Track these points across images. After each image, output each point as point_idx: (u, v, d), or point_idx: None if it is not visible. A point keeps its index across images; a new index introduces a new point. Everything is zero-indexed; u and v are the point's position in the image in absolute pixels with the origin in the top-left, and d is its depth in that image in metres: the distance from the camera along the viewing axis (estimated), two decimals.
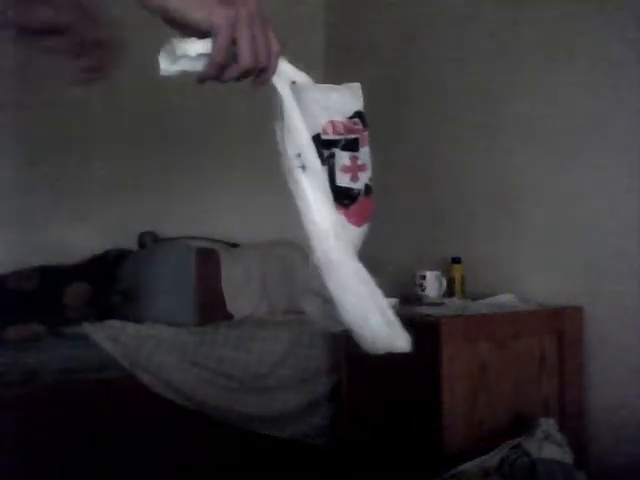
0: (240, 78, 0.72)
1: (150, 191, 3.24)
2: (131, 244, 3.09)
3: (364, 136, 0.76)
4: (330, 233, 0.74)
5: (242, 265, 3.02)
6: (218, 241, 3.17)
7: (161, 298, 2.70)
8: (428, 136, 2.82)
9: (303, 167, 0.74)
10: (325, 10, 3.63)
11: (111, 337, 2.44)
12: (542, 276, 2.24)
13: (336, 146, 0.75)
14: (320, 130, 0.74)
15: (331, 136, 0.74)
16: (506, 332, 1.99)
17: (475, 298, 2.29)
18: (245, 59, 0.69)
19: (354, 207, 0.76)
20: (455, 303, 2.27)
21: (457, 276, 2.39)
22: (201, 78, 0.70)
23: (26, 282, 2.83)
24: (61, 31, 0.68)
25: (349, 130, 0.75)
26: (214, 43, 0.68)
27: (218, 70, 0.70)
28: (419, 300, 2.30)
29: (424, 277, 2.32)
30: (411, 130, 2.94)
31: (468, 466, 1.69)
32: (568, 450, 1.67)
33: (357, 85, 0.78)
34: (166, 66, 0.70)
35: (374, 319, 0.76)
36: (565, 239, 2.15)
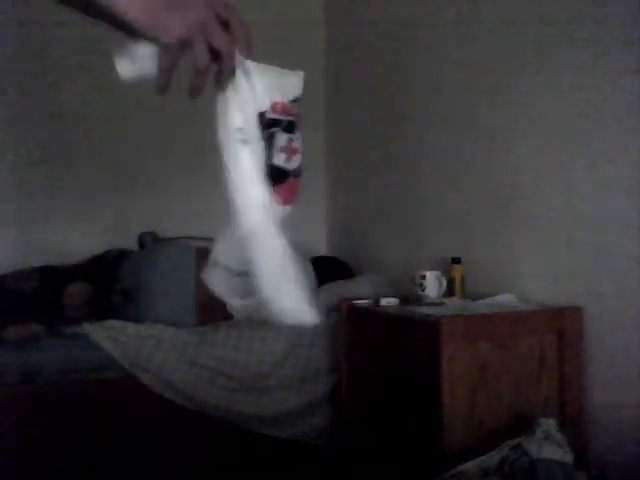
0: (197, 82, 0.73)
1: (150, 191, 3.24)
2: (131, 244, 3.09)
3: (300, 121, 0.79)
4: (261, 207, 0.77)
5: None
6: None
7: (161, 298, 2.70)
8: (428, 136, 2.82)
9: (244, 141, 0.75)
10: (325, 10, 3.64)
11: (111, 337, 2.44)
12: (542, 276, 2.24)
13: (277, 126, 0.77)
14: (265, 108, 0.76)
15: (274, 115, 0.77)
16: (506, 332, 1.99)
17: (475, 298, 2.29)
18: (200, 63, 0.70)
19: (283, 186, 0.78)
20: (455, 303, 2.27)
21: (457, 276, 2.39)
22: (159, 90, 0.72)
23: (26, 282, 2.83)
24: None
25: (289, 112, 0.78)
26: (159, 60, 0.69)
27: (166, 85, 0.71)
28: (419, 300, 2.30)
29: (424, 277, 2.32)
30: (411, 130, 2.94)
31: (468, 466, 1.68)
32: (568, 450, 1.67)
33: (301, 73, 0.80)
34: (126, 71, 0.71)
35: (290, 293, 0.79)
36: (565, 239, 2.15)
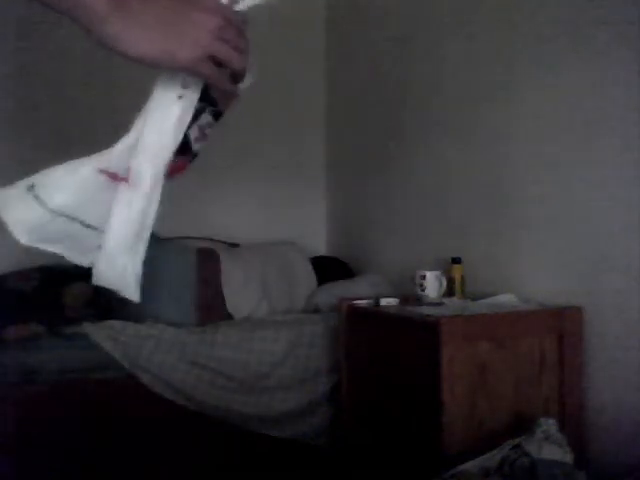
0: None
1: None
2: None
3: (222, 118, 0.80)
4: (164, 163, 0.75)
5: (242, 265, 3.02)
6: (218, 241, 3.17)
7: (161, 298, 2.70)
8: (428, 136, 2.82)
9: (180, 97, 0.74)
10: (325, 10, 3.64)
11: (111, 337, 2.44)
12: (542, 276, 2.24)
13: (210, 105, 0.77)
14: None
15: (214, 94, 0.77)
16: (506, 332, 1.99)
17: (475, 298, 2.29)
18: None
19: (178, 159, 0.78)
20: (455, 303, 2.27)
21: (457, 276, 2.39)
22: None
23: (26, 282, 2.83)
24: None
25: (226, 101, 0.79)
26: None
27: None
28: (419, 300, 2.30)
29: (424, 277, 2.32)
30: (411, 130, 2.94)
31: (468, 466, 1.68)
32: (568, 450, 1.67)
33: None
34: None
35: (126, 259, 0.76)
36: (565, 239, 2.15)
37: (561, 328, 2.03)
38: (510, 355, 1.98)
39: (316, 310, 2.95)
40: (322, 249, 3.62)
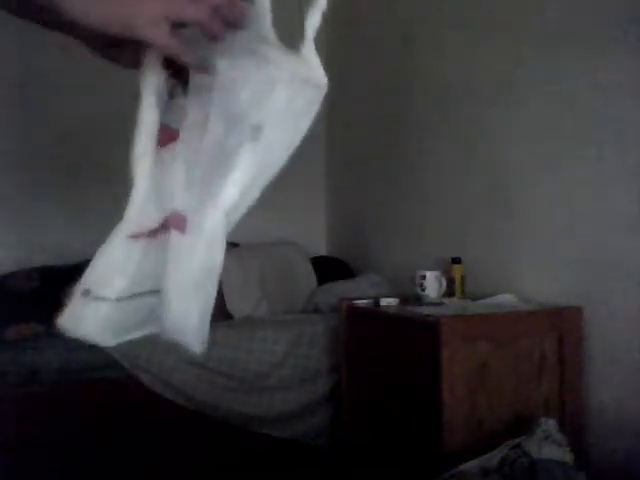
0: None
1: None
2: None
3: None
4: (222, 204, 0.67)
5: (242, 265, 3.02)
6: None
7: None
8: (428, 136, 2.82)
9: (254, 137, 0.64)
10: (325, 10, 3.63)
11: None
12: (542, 276, 2.24)
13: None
14: None
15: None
16: (506, 332, 1.99)
17: (475, 298, 2.29)
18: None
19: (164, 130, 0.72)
20: (455, 303, 2.27)
21: (457, 276, 2.39)
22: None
23: (26, 282, 2.83)
24: None
25: None
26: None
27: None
28: (419, 300, 2.30)
29: (424, 277, 2.32)
30: (411, 130, 2.94)
31: (468, 466, 1.68)
32: (568, 450, 1.67)
33: None
34: None
35: (189, 305, 0.67)
36: (565, 239, 2.15)
37: (561, 328, 2.03)
38: (510, 355, 1.98)
39: (316, 310, 2.95)
40: (322, 249, 3.62)
